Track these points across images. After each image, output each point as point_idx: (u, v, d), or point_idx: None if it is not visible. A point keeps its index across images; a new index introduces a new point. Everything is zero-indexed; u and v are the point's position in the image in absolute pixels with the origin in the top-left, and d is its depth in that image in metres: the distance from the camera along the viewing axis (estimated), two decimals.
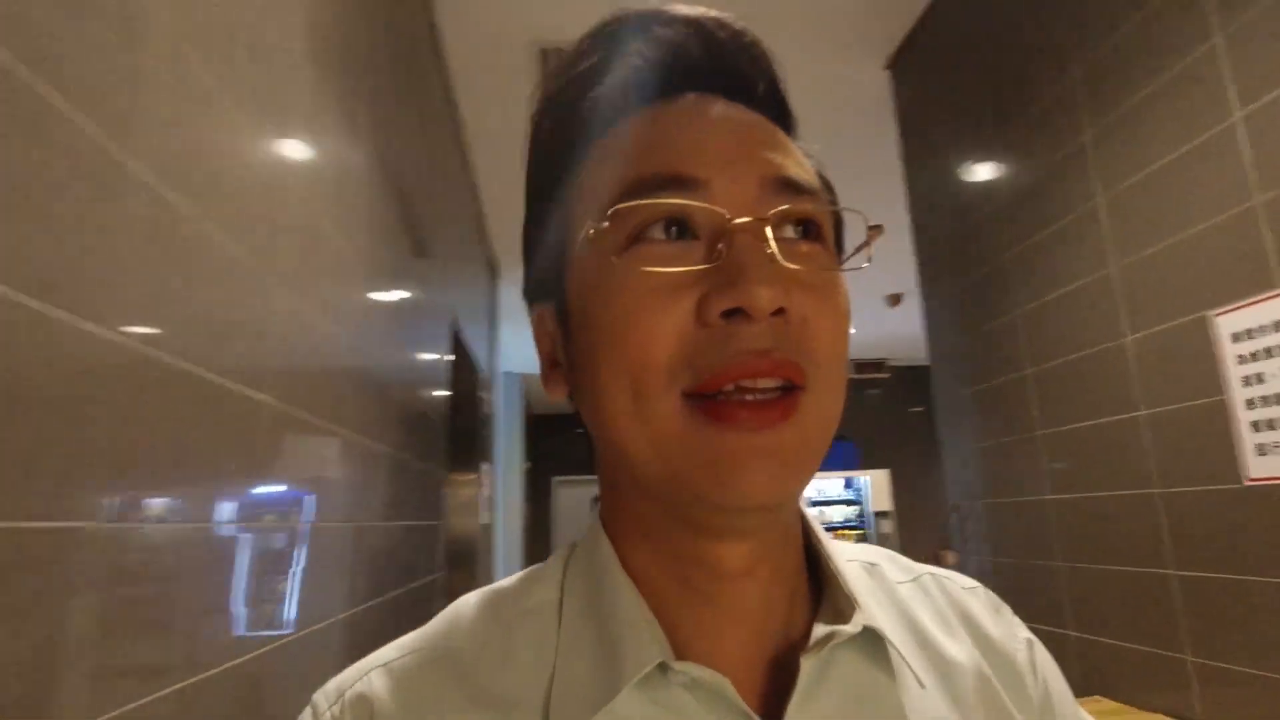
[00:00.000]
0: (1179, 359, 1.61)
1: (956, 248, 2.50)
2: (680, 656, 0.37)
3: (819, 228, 0.40)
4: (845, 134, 3.41)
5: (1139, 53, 1.70)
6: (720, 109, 0.41)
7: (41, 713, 0.65)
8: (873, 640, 0.40)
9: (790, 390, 0.35)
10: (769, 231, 0.36)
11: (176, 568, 0.90)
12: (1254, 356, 1.42)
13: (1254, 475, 1.43)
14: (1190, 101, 1.56)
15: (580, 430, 0.45)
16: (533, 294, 0.46)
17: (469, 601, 0.43)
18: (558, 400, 0.45)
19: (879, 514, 7.11)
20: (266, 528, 1.20)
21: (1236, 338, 1.45)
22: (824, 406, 0.37)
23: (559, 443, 8.83)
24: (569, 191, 0.43)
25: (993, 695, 0.42)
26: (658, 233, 0.37)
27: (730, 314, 0.35)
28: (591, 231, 0.38)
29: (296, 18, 1.32)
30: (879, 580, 0.47)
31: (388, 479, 1.91)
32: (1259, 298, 1.41)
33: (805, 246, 0.39)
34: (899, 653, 0.40)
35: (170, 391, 0.86)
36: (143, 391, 0.80)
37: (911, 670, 0.40)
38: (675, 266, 0.36)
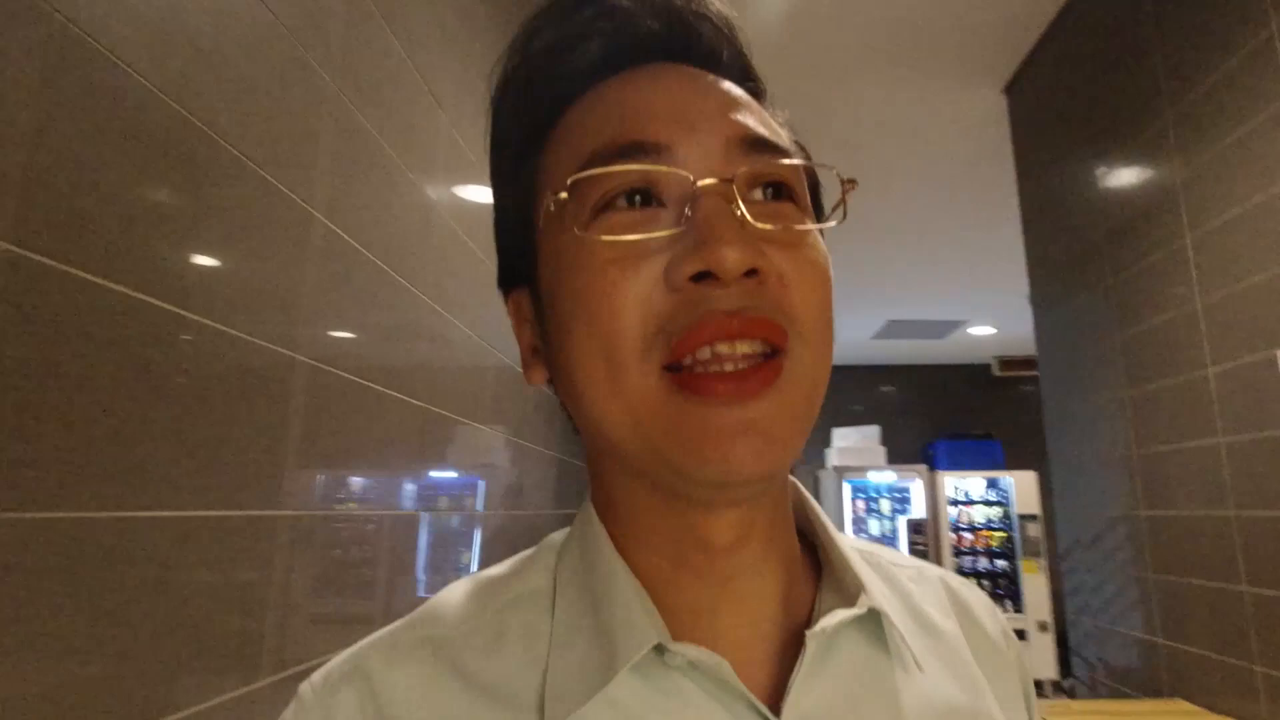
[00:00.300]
0: (1253, 392, 1.73)
1: (1066, 267, 2.62)
2: (677, 638, 0.36)
3: (791, 189, 0.38)
4: (968, 154, 3.54)
5: (1225, 102, 1.81)
6: (681, 75, 0.40)
7: (282, 651, 0.88)
8: (874, 622, 0.39)
9: (771, 355, 0.34)
10: (736, 192, 0.35)
11: (378, 540, 1.22)
12: None
13: None
14: (1265, 156, 1.68)
15: None
16: (506, 281, 0.45)
17: (457, 589, 0.42)
18: (538, 386, 0.44)
19: (1025, 517, 6.93)
20: (445, 513, 1.56)
21: None
22: (808, 368, 0.36)
23: None
24: (533, 173, 0.42)
25: (981, 685, 0.42)
26: (621, 202, 0.36)
27: (700, 278, 0.33)
28: (552, 206, 0.37)
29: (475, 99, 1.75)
30: (879, 568, 0.46)
31: (547, 474, 2.36)
32: None
33: (777, 206, 0.37)
34: (901, 635, 0.39)
35: (370, 403, 1.17)
36: (354, 404, 1.12)
37: (911, 654, 0.39)
38: (640, 234, 0.35)
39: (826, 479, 7.10)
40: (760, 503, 0.38)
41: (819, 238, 0.39)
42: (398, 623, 0.41)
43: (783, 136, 0.40)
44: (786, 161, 0.38)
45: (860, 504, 7.01)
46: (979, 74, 2.99)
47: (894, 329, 6.44)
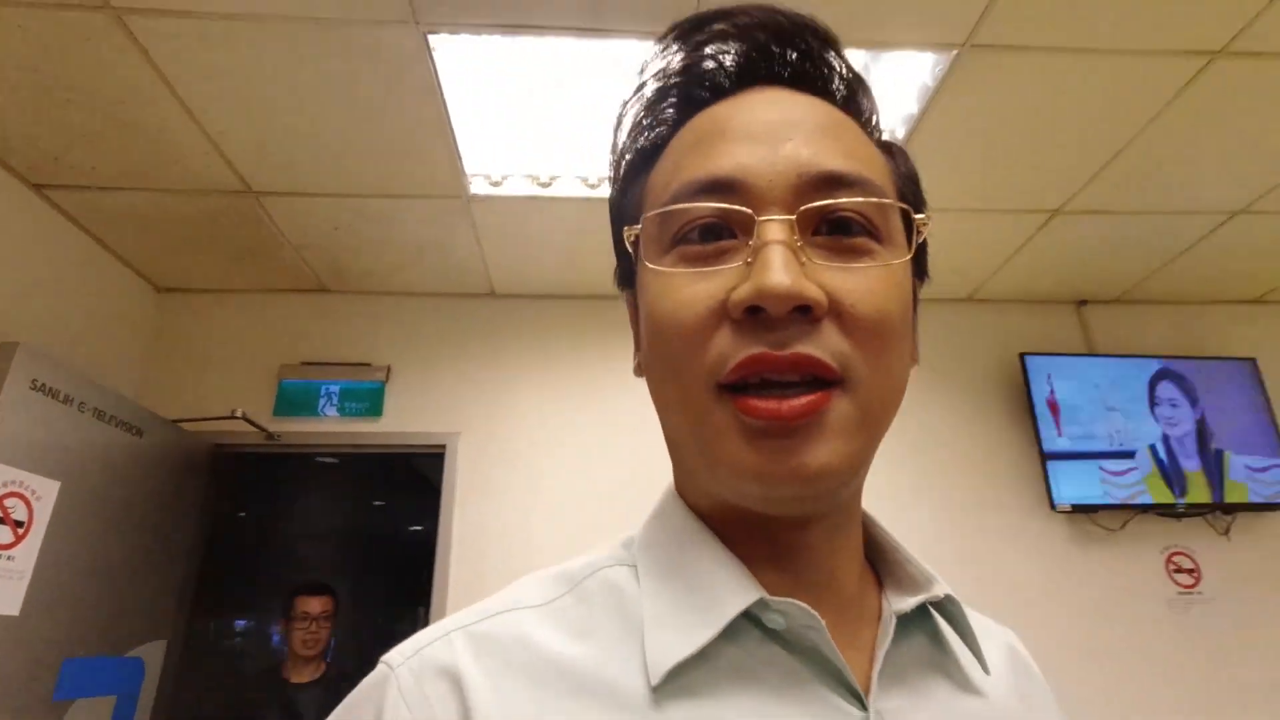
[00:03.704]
0: None
1: None
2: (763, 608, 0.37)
3: (867, 222, 0.38)
4: None
5: None
6: (770, 103, 0.41)
7: None
8: (934, 625, 0.43)
9: (818, 385, 0.35)
10: (795, 227, 0.36)
11: None
12: None
13: None
14: None
15: None
16: (620, 281, 0.48)
17: (537, 577, 0.42)
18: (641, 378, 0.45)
19: None
20: None
21: None
22: (865, 399, 0.36)
23: None
24: (642, 190, 0.44)
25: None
26: (694, 235, 0.38)
27: (752, 311, 0.34)
28: (632, 237, 0.41)
29: None
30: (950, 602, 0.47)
31: None
32: None
33: (853, 242, 0.37)
34: (971, 629, 0.41)
35: None
36: None
37: (978, 655, 0.42)
38: (708, 267, 0.37)
39: None
40: (821, 501, 0.39)
41: (891, 273, 0.38)
42: (485, 601, 0.40)
43: (865, 165, 0.39)
44: (848, 200, 0.37)
45: None
46: None
47: None
